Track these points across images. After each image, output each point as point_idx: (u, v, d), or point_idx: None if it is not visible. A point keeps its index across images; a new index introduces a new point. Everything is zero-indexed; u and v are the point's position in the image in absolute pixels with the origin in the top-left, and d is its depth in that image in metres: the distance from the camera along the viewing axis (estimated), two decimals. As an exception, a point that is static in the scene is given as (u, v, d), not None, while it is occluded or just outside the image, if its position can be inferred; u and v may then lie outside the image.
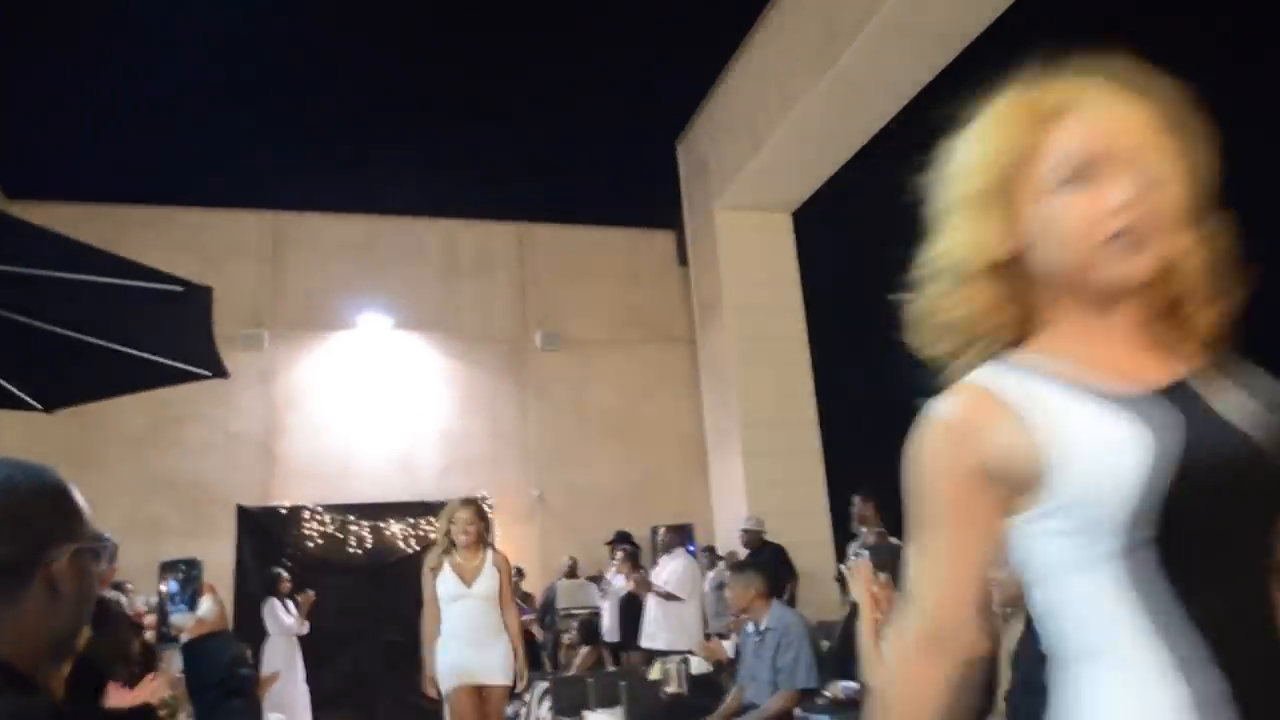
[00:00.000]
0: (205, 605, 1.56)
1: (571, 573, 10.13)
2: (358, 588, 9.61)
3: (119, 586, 5.34)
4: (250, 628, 8.82)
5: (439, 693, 5.22)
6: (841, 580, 8.02)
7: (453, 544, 5.18)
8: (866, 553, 4.29)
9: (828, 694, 4.25)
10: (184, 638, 1.53)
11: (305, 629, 8.64)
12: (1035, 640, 2.98)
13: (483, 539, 5.22)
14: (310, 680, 9.08)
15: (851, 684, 4.12)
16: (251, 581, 9.30)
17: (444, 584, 5.15)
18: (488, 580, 5.13)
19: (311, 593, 8.67)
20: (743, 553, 8.88)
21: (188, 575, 1.57)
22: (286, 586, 8.75)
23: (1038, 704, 2.89)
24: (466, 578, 5.12)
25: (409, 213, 12.03)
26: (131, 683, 3.14)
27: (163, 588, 1.56)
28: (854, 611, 4.30)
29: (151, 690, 3.01)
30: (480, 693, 5.06)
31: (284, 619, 8.60)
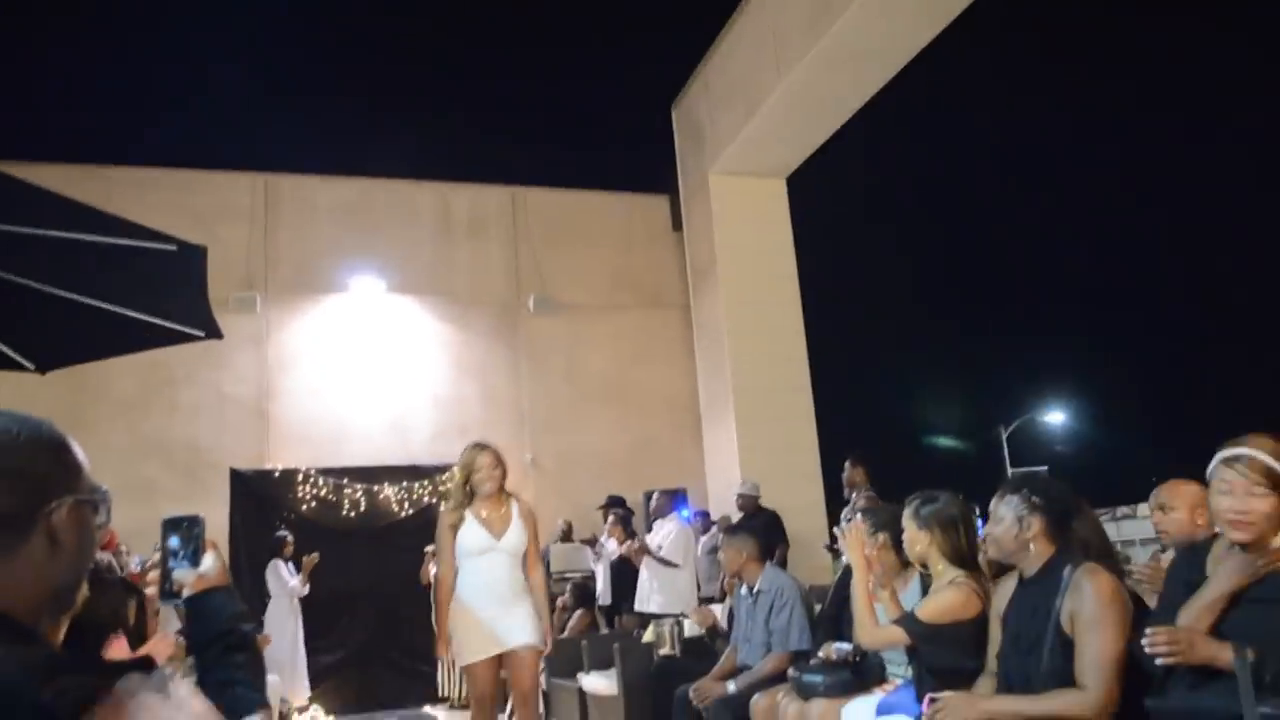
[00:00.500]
0: (208, 561, 1.56)
1: (566, 536, 10.18)
2: (351, 551, 9.63)
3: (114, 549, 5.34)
4: (244, 590, 8.84)
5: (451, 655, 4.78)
6: (831, 548, 8.08)
7: (472, 495, 4.67)
8: (859, 516, 4.31)
9: (820, 655, 4.28)
10: (186, 593, 1.53)
11: (306, 590, 8.71)
12: (1024, 601, 3.01)
13: (504, 486, 4.73)
14: (305, 643, 9.14)
15: (844, 645, 4.15)
16: (245, 544, 9.32)
17: (469, 537, 4.59)
18: (517, 533, 4.64)
19: (316, 555, 8.75)
20: (737, 517, 8.93)
21: (190, 532, 1.57)
22: (290, 549, 8.82)
23: (1029, 663, 2.92)
24: (495, 529, 4.62)
25: (402, 175, 11.97)
26: (133, 644, 3.15)
27: (166, 544, 1.56)
28: (846, 574, 4.33)
29: (156, 648, 3.02)
30: (502, 659, 4.56)
31: (288, 580, 8.67)
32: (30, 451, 1.16)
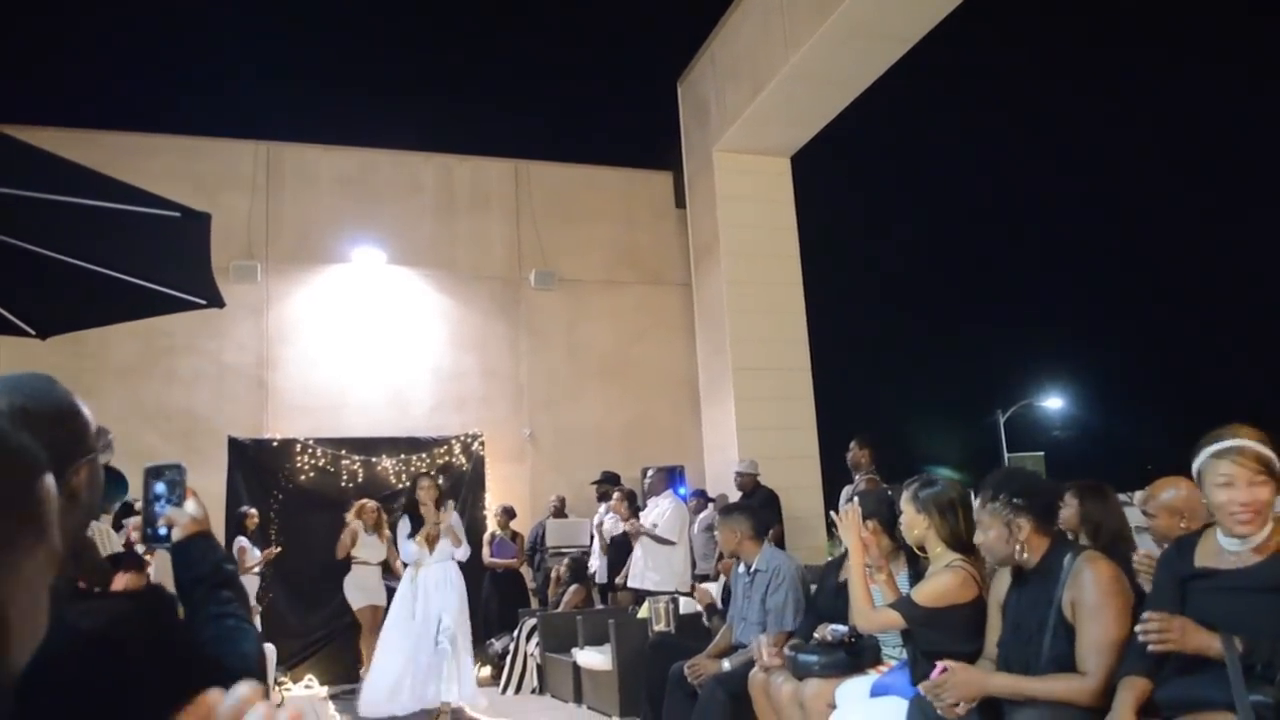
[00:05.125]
0: (190, 507, 1.59)
1: (560, 511, 10.17)
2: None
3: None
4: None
5: None
6: (830, 526, 8.09)
7: None
8: (856, 499, 4.31)
9: (816, 636, 4.30)
10: (177, 534, 1.57)
11: (400, 560, 7.74)
12: (1024, 591, 3.02)
13: None
14: (298, 615, 9.17)
15: (840, 627, 4.16)
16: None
17: None
18: None
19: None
20: (735, 495, 8.94)
21: (173, 478, 1.60)
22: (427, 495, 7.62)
23: (1029, 650, 2.94)
24: None
25: (405, 146, 11.91)
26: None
27: (150, 490, 1.60)
28: (843, 556, 4.34)
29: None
30: None
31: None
32: (51, 420, 1.23)
